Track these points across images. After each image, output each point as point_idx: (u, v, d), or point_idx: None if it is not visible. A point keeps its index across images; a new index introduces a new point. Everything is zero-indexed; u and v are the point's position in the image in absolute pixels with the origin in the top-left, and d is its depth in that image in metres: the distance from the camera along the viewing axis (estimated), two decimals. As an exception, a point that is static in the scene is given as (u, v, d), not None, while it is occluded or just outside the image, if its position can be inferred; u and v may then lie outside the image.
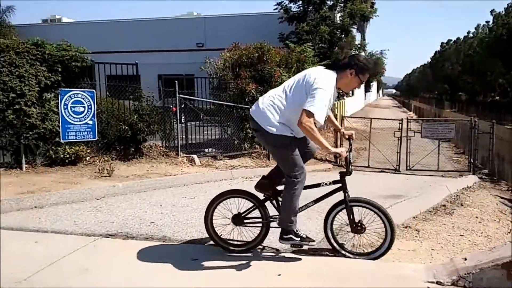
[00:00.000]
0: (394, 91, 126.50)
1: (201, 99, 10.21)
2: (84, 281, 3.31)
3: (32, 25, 31.24)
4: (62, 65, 8.01)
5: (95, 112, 8.37)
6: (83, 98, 8.24)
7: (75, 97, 8.14)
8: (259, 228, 3.79)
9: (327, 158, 11.57)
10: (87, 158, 8.40)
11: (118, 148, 8.87)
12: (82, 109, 8.23)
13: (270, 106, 3.46)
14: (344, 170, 3.66)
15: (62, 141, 7.98)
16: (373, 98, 65.24)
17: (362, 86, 36.10)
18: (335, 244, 3.79)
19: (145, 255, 3.79)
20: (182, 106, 9.80)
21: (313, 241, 3.68)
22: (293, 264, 3.61)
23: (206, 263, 3.61)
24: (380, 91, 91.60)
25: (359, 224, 3.68)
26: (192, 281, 3.30)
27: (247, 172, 8.45)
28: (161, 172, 8.04)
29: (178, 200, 5.98)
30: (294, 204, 3.50)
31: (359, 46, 22.86)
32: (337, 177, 3.69)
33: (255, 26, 22.28)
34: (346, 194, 3.65)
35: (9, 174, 7.35)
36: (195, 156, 9.31)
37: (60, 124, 7.94)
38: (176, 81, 9.52)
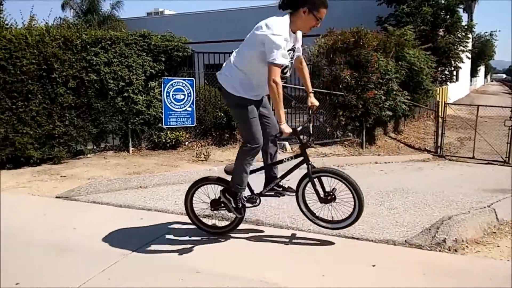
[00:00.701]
0: (504, 76, 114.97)
1: (294, 86, 10.19)
2: (182, 256, 3.55)
3: (137, 18, 33.57)
4: (166, 55, 8.51)
5: (194, 100, 8.80)
6: (183, 86, 8.70)
7: (176, 85, 8.62)
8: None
9: (426, 148, 10.94)
10: (186, 143, 8.89)
11: (214, 134, 9.25)
12: (182, 96, 8.69)
13: (229, 66, 3.49)
14: (303, 143, 3.67)
15: (164, 126, 8.53)
16: (480, 83, 59.97)
17: (468, 70, 33.23)
18: (307, 214, 3.85)
19: (238, 235, 3.95)
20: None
21: (242, 215, 3.79)
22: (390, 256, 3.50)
23: (296, 248, 3.65)
24: (488, 76, 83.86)
25: (327, 194, 3.64)
26: (287, 264, 3.36)
27: (339, 160, 8.30)
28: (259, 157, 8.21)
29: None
30: (243, 169, 3.60)
31: (465, 27, 21.00)
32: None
33: (353, 10, 21.55)
34: (309, 166, 3.60)
35: (117, 156, 8.06)
36: (286, 143, 9.34)
37: (163, 111, 8.49)
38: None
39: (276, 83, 3.17)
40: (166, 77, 8.53)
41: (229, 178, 3.80)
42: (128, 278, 3.18)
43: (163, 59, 8.47)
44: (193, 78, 8.92)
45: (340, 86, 9.47)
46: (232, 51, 9.13)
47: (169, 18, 34.31)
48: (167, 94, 8.53)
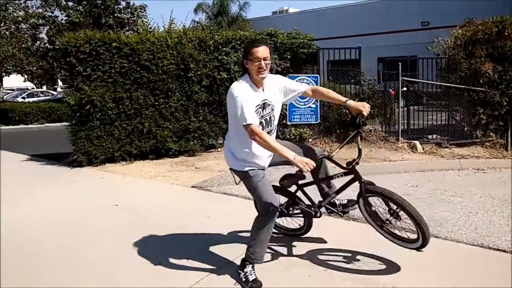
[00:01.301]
0: None
1: (426, 81, 9.53)
2: (312, 253, 3.54)
3: (263, 18, 34.62)
4: (291, 53, 8.62)
5: (318, 96, 8.76)
6: (308, 83, 8.72)
7: (301, 82, 8.67)
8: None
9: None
10: (309, 140, 8.90)
11: (338, 131, 9.10)
12: (307, 93, 8.71)
13: (227, 141, 3.27)
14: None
15: (288, 123, 8.66)
16: None
17: None
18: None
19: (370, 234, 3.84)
20: (404, 89, 9.37)
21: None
22: None
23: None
24: None
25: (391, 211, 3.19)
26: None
27: (479, 163, 7.52)
28: (380, 157, 7.89)
29: (399, 187, 5.77)
30: (265, 239, 3.19)
31: None
32: None
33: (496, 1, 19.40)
34: (362, 184, 3.20)
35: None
36: (417, 142, 8.80)
37: (287, 108, 8.62)
38: (400, 63, 9.14)
39: (258, 137, 2.87)
40: (291, 74, 8.64)
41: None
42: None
43: (289, 56, 8.59)
44: (317, 75, 8.89)
45: (481, 81, 8.58)
46: (359, 46, 8.81)
47: (293, 16, 34.71)
48: (292, 91, 8.62)
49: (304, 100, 8.68)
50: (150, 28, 18.13)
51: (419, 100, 9.96)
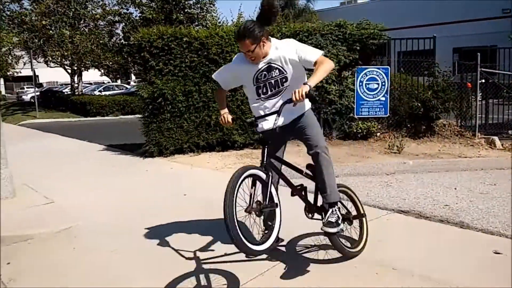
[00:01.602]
0: None
1: (508, 72, 8.86)
2: (381, 251, 3.42)
3: (330, 9, 33.97)
4: (360, 44, 8.34)
5: (388, 89, 8.46)
6: (377, 75, 8.44)
7: (370, 74, 8.43)
8: None
9: None
10: (378, 134, 8.63)
11: (408, 125, 8.74)
12: (376, 85, 8.45)
13: None
14: None
15: (355, 116, 8.44)
16: None
17: None
18: None
19: (442, 237, 3.64)
20: (482, 81, 8.77)
21: None
22: None
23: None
24: None
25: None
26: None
27: None
28: (455, 153, 7.46)
29: (475, 185, 5.43)
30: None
31: None
32: None
33: None
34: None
35: (310, 144, 8.33)
36: (495, 138, 8.22)
37: (355, 100, 8.41)
38: (478, 54, 8.56)
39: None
40: (360, 66, 8.40)
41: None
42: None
43: (358, 48, 8.33)
44: (388, 67, 8.58)
45: None
46: (434, 36, 8.42)
47: (362, 6, 33.71)
48: (360, 84, 8.40)
49: (373, 93, 8.42)
50: (219, 22, 18.51)
51: (499, 93, 9.29)
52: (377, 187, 5.32)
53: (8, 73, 25.05)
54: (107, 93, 25.53)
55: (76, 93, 23.65)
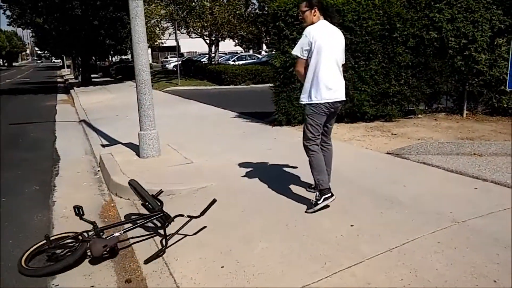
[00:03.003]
0: None
1: None
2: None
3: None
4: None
5: (552, 59, 7.24)
6: None
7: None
8: None
9: None
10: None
11: None
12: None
13: None
14: None
15: (508, 89, 7.43)
16: None
17: None
18: None
19: None
20: None
21: None
22: None
23: None
24: None
25: None
26: None
27: None
28: None
29: None
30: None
31: None
32: None
33: None
34: None
35: (449, 119, 7.65)
36: None
37: (508, 72, 7.38)
38: None
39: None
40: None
41: None
42: (457, 246, 2.99)
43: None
44: (555, 33, 7.32)
45: None
46: None
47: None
48: (517, 53, 7.33)
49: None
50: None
51: None
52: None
53: (155, 43, 27.62)
54: (240, 62, 26.61)
55: (213, 62, 25.10)
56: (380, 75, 7.54)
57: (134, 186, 3.76)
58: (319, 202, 3.70)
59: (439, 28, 7.36)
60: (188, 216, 3.52)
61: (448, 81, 7.71)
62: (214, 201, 3.67)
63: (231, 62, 27.16)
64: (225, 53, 35.76)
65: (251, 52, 36.70)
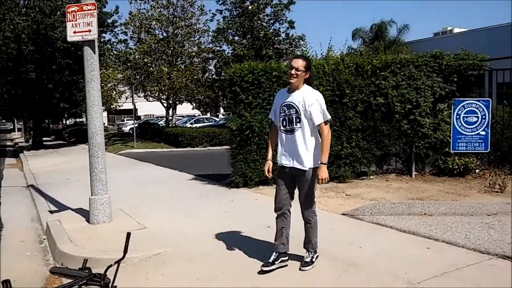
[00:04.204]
0: None
1: None
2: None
3: (423, 40, 32.75)
4: (458, 75, 7.88)
5: (490, 123, 7.82)
6: (477, 108, 7.87)
7: (468, 107, 7.88)
8: None
9: None
10: (476, 171, 7.97)
11: (513, 162, 7.96)
12: (475, 119, 7.87)
13: None
14: None
15: (451, 151, 7.89)
16: None
17: None
18: None
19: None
20: None
21: None
22: None
23: None
24: None
25: None
26: None
27: None
28: None
29: None
30: None
31: None
32: None
33: None
34: None
35: (399, 180, 7.92)
36: None
37: (451, 134, 7.88)
38: None
39: None
40: (457, 99, 7.90)
41: None
42: None
43: (455, 79, 7.87)
44: (489, 99, 7.96)
45: None
46: None
47: (458, 36, 32.15)
48: (457, 117, 7.88)
49: (472, 127, 7.85)
50: (308, 57, 18.73)
51: None
52: (477, 228, 4.82)
53: (111, 107, 27.50)
54: (198, 125, 26.83)
55: (170, 125, 25.16)
56: (333, 138, 7.74)
57: (58, 272, 3.48)
58: (314, 260, 3.85)
59: (386, 94, 7.82)
60: (115, 263, 3.24)
61: (396, 144, 8.07)
62: (129, 234, 3.31)
63: (188, 125, 27.31)
64: (183, 116, 36.05)
65: (208, 115, 37.22)
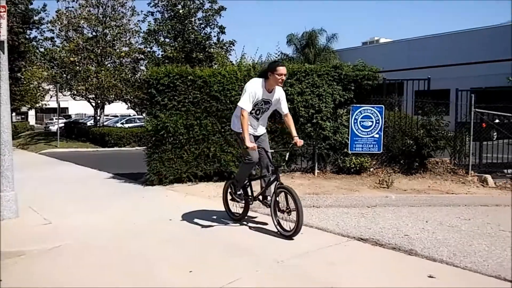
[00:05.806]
0: None
1: (499, 113, 9.08)
2: (329, 272, 3.74)
3: (351, 49, 34.68)
4: (355, 84, 8.78)
5: (382, 127, 8.79)
6: (372, 113, 8.81)
7: (364, 113, 8.81)
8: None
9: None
10: (371, 169, 8.90)
11: (401, 161, 8.99)
12: (370, 123, 8.80)
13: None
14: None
15: (349, 152, 8.77)
16: None
17: None
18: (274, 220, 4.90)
19: (389, 263, 3.92)
20: (477, 121, 8.99)
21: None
22: None
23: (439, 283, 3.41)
24: None
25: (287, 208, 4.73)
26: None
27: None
28: (443, 190, 7.66)
29: (449, 219, 5.62)
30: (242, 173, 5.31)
31: None
32: None
33: None
34: (277, 182, 4.88)
35: (303, 177, 8.67)
36: (488, 176, 8.38)
37: (349, 137, 8.76)
38: (473, 95, 8.85)
39: (242, 117, 4.69)
40: (355, 105, 8.80)
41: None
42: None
43: (353, 87, 8.76)
44: (382, 106, 8.93)
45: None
46: (428, 77, 9.00)
47: (383, 46, 34.46)
48: (355, 121, 8.78)
49: (367, 130, 8.77)
50: (235, 61, 19.31)
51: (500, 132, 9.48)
52: (351, 217, 5.59)
53: (36, 105, 26.45)
54: (129, 125, 26.53)
55: (98, 124, 24.72)
56: (244, 138, 8.37)
57: None
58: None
59: (292, 99, 8.52)
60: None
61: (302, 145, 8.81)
62: None
63: (119, 125, 26.92)
64: (117, 116, 35.33)
65: (144, 115, 36.75)
